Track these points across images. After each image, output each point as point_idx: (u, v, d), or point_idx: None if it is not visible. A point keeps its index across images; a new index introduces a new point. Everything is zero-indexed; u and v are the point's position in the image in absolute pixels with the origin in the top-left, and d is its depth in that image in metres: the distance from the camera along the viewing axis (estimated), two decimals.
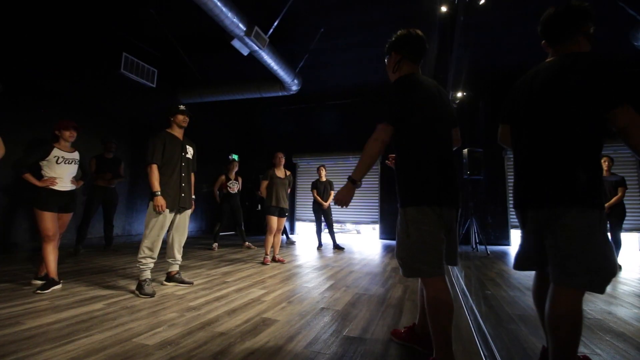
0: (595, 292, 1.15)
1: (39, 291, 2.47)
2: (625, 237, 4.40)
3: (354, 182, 1.47)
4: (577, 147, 1.21)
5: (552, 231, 1.22)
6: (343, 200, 1.50)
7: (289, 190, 4.51)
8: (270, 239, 4.25)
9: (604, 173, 4.37)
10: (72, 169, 2.85)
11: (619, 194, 4.19)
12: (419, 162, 1.43)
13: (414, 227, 1.38)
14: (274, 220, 4.23)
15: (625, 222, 4.25)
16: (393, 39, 1.61)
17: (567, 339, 1.15)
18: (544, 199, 1.25)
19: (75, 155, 2.88)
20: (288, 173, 4.49)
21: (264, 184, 4.32)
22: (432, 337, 1.36)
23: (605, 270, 1.15)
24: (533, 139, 1.32)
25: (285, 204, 4.29)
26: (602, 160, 4.39)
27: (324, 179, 5.97)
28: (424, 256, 1.36)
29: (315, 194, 5.87)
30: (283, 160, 4.44)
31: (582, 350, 1.66)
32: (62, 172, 2.75)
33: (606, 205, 4.19)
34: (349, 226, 9.33)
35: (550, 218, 1.23)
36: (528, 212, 1.33)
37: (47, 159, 2.70)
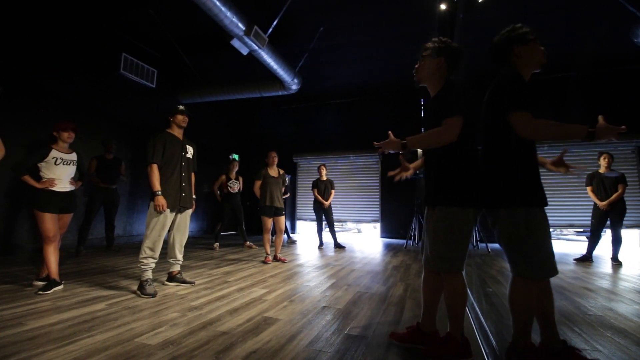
0: (537, 279, 1.38)
1: (40, 292, 2.48)
2: (625, 233, 4.40)
3: (404, 147, 1.52)
4: (503, 153, 1.43)
5: (496, 228, 1.46)
6: (385, 146, 1.56)
7: (283, 189, 4.50)
8: (267, 237, 4.25)
9: (604, 170, 4.37)
10: (71, 170, 2.85)
11: (619, 191, 4.19)
12: (467, 164, 1.52)
13: (458, 226, 1.50)
14: (268, 220, 4.23)
15: (625, 218, 4.25)
16: (444, 45, 1.62)
17: (520, 316, 1.39)
18: (486, 201, 1.49)
19: (73, 156, 2.88)
20: (282, 172, 4.48)
21: (257, 184, 4.32)
22: (450, 318, 1.54)
23: (538, 259, 1.35)
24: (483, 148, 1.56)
25: (280, 203, 4.28)
26: (602, 157, 4.39)
27: (324, 178, 5.96)
28: (462, 253, 1.52)
29: (316, 193, 5.88)
30: (276, 160, 4.43)
31: (583, 346, 1.67)
32: (60, 173, 2.75)
33: (606, 202, 4.20)
34: (349, 225, 9.33)
35: (492, 217, 1.47)
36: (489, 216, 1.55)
37: (46, 160, 2.70)
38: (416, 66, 1.70)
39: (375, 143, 1.60)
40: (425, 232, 1.65)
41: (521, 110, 1.34)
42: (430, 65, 1.63)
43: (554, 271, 1.38)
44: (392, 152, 1.60)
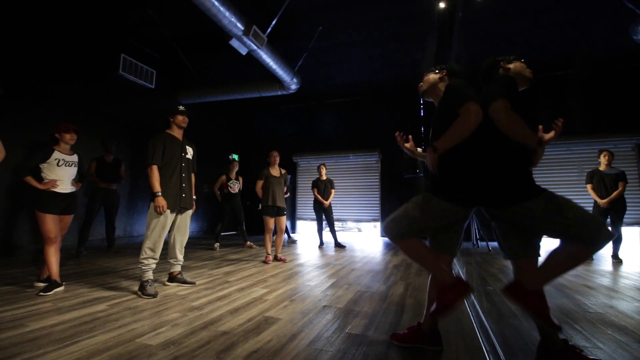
0: (599, 244, 1.28)
1: (41, 293, 2.48)
2: (626, 231, 4.40)
3: (436, 151, 1.50)
4: (506, 150, 1.45)
5: (518, 222, 1.44)
6: (431, 165, 1.55)
7: (285, 189, 4.51)
8: (269, 238, 4.26)
9: (604, 167, 4.36)
10: (72, 172, 2.85)
11: (620, 188, 4.18)
12: (465, 161, 1.52)
13: (427, 209, 1.51)
14: (270, 220, 4.24)
15: (626, 216, 4.25)
16: (449, 66, 1.76)
17: (555, 273, 1.42)
18: (495, 199, 1.47)
19: (75, 157, 2.88)
20: (283, 171, 4.49)
21: (259, 183, 4.32)
22: (431, 272, 1.63)
23: (592, 221, 1.31)
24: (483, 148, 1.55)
25: (282, 203, 4.29)
26: (602, 155, 4.39)
27: (324, 177, 5.96)
28: (413, 227, 1.53)
29: (316, 193, 5.88)
30: (278, 159, 4.43)
31: (584, 344, 1.67)
32: (62, 174, 2.76)
33: (607, 199, 4.20)
34: (350, 224, 9.33)
35: (509, 214, 1.44)
36: (490, 210, 1.53)
37: (48, 161, 2.70)
38: (420, 84, 1.79)
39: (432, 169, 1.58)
40: None
41: (503, 98, 1.38)
42: (434, 77, 1.73)
43: (609, 233, 1.30)
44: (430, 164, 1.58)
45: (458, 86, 1.54)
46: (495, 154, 1.49)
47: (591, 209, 4.45)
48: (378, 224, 7.93)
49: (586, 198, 4.61)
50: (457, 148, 1.50)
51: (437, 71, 1.75)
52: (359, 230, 9.42)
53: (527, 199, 1.39)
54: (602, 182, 4.31)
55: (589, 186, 4.45)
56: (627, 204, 4.25)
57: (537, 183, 1.45)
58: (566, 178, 6.19)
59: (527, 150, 1.45)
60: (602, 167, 4.39)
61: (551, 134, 1.67)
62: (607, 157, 4.35)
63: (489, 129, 1.46)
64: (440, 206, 1.50)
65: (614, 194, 4.18)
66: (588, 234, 1.29)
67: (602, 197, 4.26)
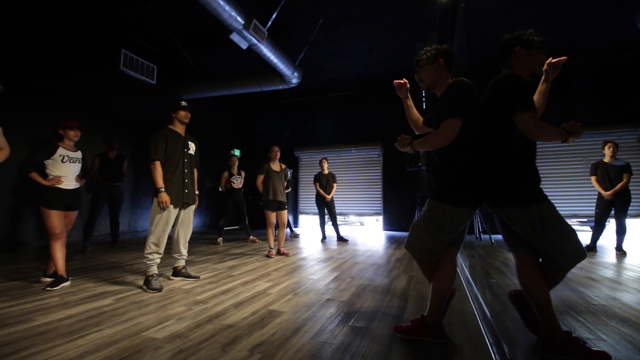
0: (563, 270, 1.46)
1: (48, 288, 2.51)
2: (630, 223, 4.37)
3: (410, 144, 1.64)
4: (508, 152, 1.48)
5: (507, 221, 1.51)
6: (399, 144, 1.69)
7: (285, 184, 4.52)
8: (271, 232, 4.27)
9: (609, 159, 4.33)
10: (76, 168, 2.87)
11: (624, 180, 4.15)
12: (468, 163, 1.54)
13: (449, 224, 1.56)
14: (271, 214, 4.25)
15: (630, 207, 4.22)
16: (437, 50, 1.68)
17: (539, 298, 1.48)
18: (493, 200, 1.54)
19: (79, 154, 2.90)
20: (284, 166, 4.50)
21: (260, 178, 4.34)
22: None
23: (557, 253, 1.43)
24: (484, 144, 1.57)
25: (283, 197, 4.30)
26: (607, 146, 4.35)
27: (326, 171, 5.95)
28: (443, 246, 1.62)
29: (318, 187, 5.87)
30: (279, 154, 4.44)
31: (587, 336, 1.67)
32: (67, 170, 2.77)
33: (611, 191, 4.17)
34: (352, 218, 9.34)
35: (501, 214, 1.52)
36: (490, 208, 1.61)
37: (53, 157, 2.72)
38: (417, 79, 1.76)
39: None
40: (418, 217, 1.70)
41: (528, 110, 1.39)
42: (431, 69, 1.68)
43: (581, 255, 1.43)
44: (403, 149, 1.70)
45: (455, 92, 1.54)
46: (500, 155, 1.51)
47: (595, 201, 4.42)
48: (380, 218, 7.93)
49: (590, 190, 4.58)
50: (464, 151, 1.53)
51: (432, 60, 1.66)
52: (362, 224, 9.43)
53: (524, 203, 1.43)
54: (606, 173, 4.27)
55: (593, 178, 4.42)
56: (632, 196, 4.22)
57: (540, 178, 1.48)
58: (570, 170, 6.14)
59: (531, 153, 1.49)
60: (606, 159, 4.35)
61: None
62: (611, 149, 4.31)
63: (495, 132, 1.48)
64: (457, 213, 1.54)
65: (619, 185, 4.15)
66: (555, 260, 1.43)
67: (606, 189, 4.23)
